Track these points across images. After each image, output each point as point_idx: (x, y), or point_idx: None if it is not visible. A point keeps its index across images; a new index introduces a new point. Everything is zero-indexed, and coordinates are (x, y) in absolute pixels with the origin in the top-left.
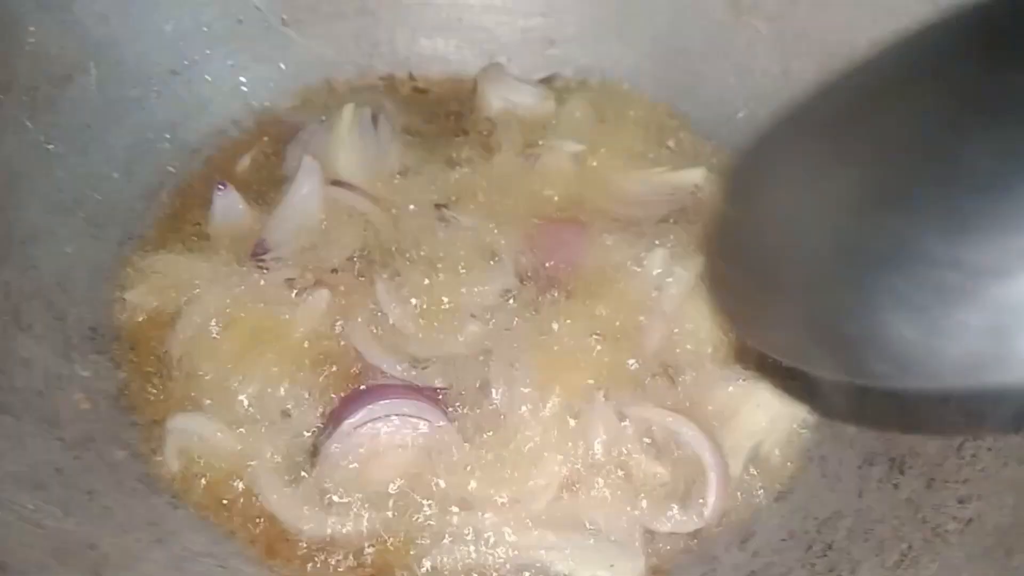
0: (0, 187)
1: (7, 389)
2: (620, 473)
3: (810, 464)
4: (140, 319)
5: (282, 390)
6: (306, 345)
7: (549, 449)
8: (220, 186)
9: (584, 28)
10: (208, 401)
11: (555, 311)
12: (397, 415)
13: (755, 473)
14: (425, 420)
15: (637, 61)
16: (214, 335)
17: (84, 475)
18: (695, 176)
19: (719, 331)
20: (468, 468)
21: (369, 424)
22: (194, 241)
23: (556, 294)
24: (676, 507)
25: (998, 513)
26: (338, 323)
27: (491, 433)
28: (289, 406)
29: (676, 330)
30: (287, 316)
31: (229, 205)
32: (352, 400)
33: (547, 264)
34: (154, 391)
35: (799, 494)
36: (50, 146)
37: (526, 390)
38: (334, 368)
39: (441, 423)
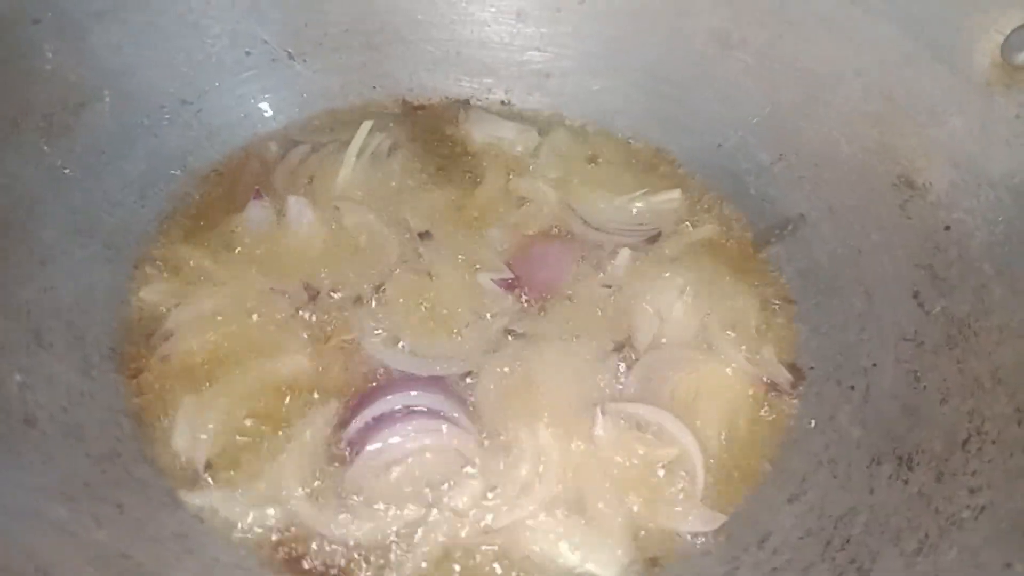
0: (18, 210)
1: (33, 404)
2: (617, 464)
3: (820, 467)
4: (159, 341)
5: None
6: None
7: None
8: (257, 195)
9: (579, 62)
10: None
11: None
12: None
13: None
14: (446, 421)
15: (628, 92)
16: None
17: (112, 489)
18: (672, 197)
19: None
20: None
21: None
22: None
23: (537, 309)
24: (693, 510)
25: (1011, 499)
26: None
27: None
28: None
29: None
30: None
31: (263, 215)
32: (367, 396)
33: (529, 283)
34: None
35: (812, 495)
36: (66, 170)
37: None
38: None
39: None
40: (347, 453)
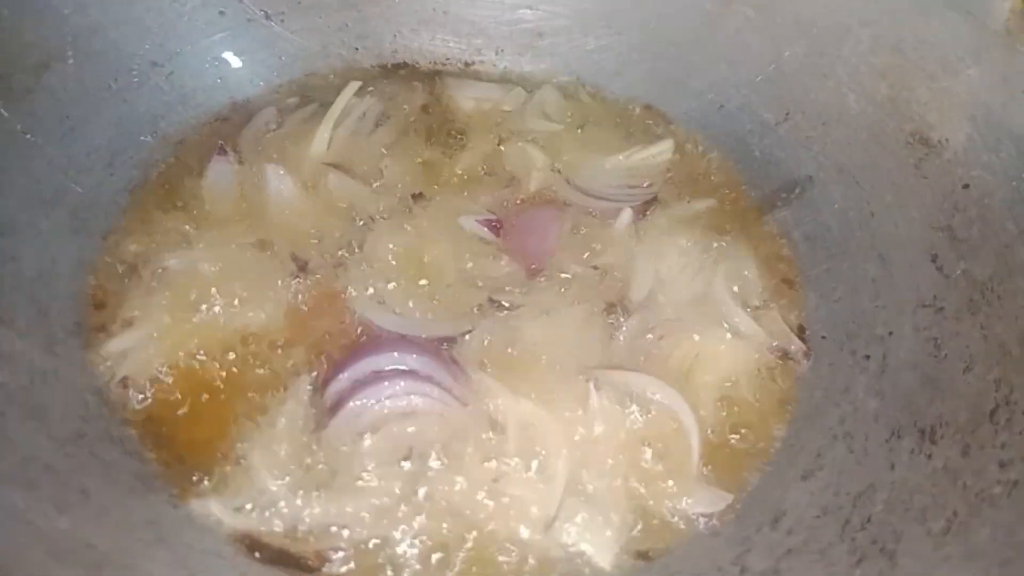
0: None
1: None
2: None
3: (835, 442)
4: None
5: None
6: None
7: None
8: (220, 152)
9: (573, 21)
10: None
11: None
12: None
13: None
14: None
15: (626, 52)
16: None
17: (76, 473)
18: (663, 149)
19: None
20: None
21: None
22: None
23: (527, 276)
24: (693, 489)
25: None
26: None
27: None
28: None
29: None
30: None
31: (226, 173)
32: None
33: (519, 250)
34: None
35: (827, 471)
36: (28, 136)
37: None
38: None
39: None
40: (327, 411)
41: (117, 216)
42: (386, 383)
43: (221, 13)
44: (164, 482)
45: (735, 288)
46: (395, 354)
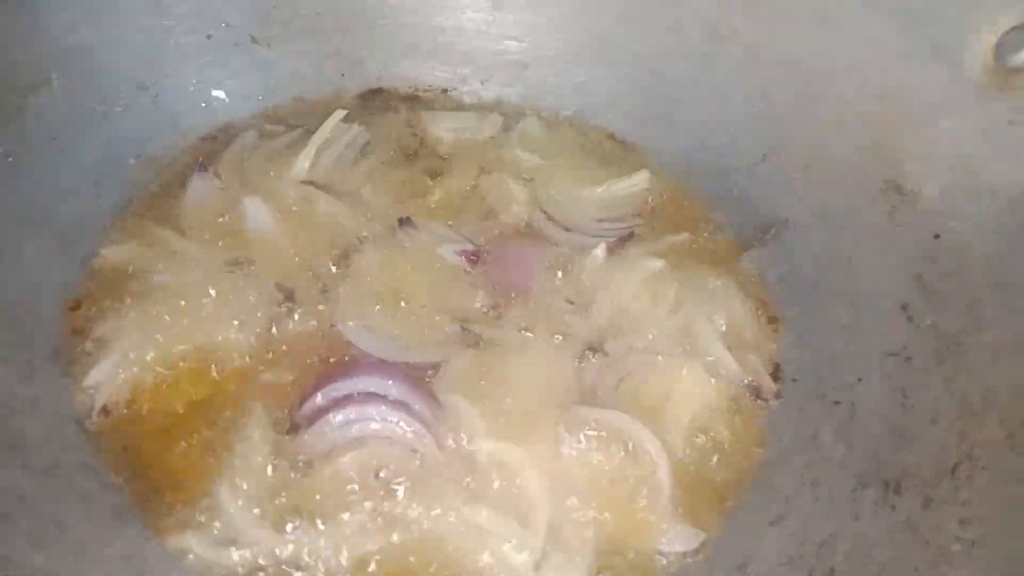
0: None
1: None
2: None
3: (802, 488)
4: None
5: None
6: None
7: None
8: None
9: (560, 53)
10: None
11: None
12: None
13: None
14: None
15: (613, 86)
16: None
17: (52, 504)
18: (638, 180)
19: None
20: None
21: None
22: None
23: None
24: (667, 528)
25: (1005, 533)
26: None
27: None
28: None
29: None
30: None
31: (206, 188)
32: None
33: (498, 282)
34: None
35: (794, 518)
36: (9, 159)
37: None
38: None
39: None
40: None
41: (101, 239)
42: (362, 407)
43: (208, 37)
44: (140, 514)
45: (711, 323)
46: (374, 378)
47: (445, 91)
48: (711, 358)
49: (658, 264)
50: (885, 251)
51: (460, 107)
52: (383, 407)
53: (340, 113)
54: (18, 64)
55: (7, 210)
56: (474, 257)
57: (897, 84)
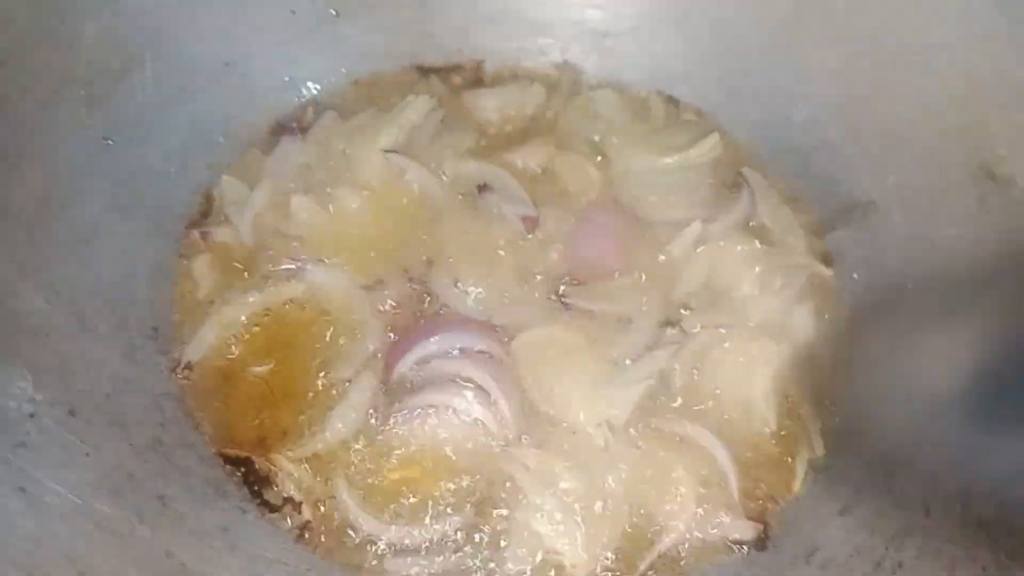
0: (59, 184)
1: (75, 392)
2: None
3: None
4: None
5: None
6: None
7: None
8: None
9: (641, 22)
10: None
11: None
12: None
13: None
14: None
15: (694, 57)
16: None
17: (155, 480)
18: (711, 144)
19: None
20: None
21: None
22: None
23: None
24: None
25: None
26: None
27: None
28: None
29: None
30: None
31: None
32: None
33: (581, 259)
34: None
35: (864, 508)
36: (109, 141)
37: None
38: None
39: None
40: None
41: (190, 218)
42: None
43: (292, 13)
44: (236, 486)
45: (801, 306)
46: (463, 334)
47: (525, 62)
48: (799, 341)
49: (743, 247)
50: (973, 239)
51: (534, 79)
52: (468, 362)
53: (421, 93)
54: (110, 50)
55: (104, 193)
56: (532, 223)
57: (988, 64)
